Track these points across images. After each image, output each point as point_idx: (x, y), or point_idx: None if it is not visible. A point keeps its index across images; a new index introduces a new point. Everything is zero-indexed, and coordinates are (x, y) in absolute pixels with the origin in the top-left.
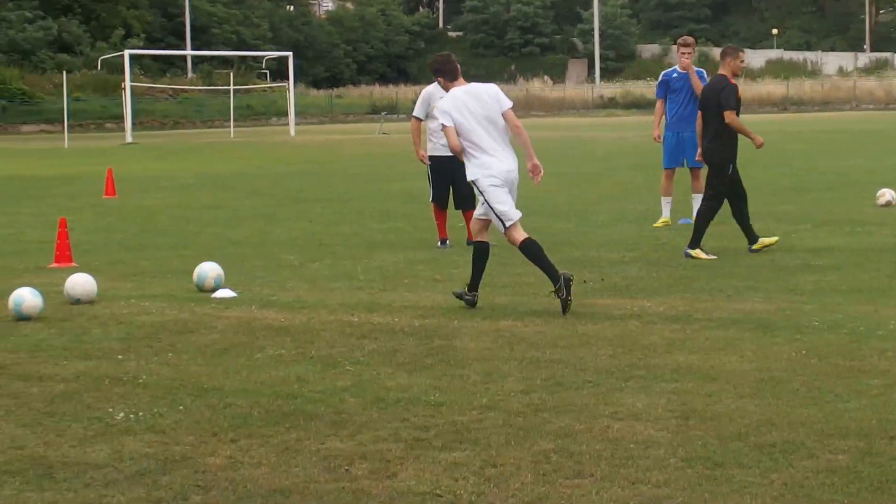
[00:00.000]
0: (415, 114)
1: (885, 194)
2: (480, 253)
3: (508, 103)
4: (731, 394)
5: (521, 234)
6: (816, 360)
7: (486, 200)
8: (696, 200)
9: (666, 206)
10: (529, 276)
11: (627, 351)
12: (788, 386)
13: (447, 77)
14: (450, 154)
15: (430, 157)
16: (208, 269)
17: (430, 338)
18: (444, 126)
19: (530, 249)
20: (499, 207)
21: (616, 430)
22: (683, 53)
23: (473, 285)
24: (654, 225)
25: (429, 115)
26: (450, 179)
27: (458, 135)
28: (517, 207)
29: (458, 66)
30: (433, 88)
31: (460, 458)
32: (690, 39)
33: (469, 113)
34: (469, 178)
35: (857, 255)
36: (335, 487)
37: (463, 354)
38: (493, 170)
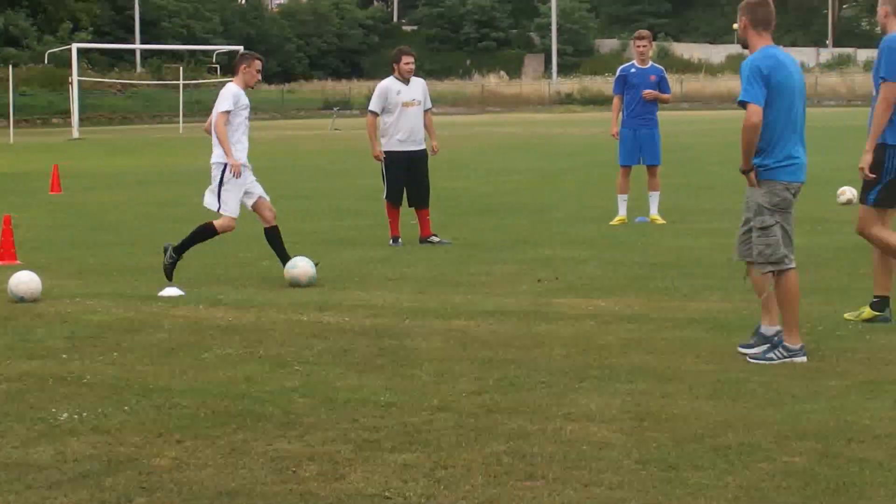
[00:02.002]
0: (371, 108)
1: (846, 192)
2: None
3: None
4: (688, 395)
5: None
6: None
7: None
8: (654, 198)
9: (622, 204)
10: (483, 275)
11: (582, 351)
12: (746, 387)
13: None
14: (406, 150)
15: (386, 153)
16: (301, 272)
17: (382, 337)
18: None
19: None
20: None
21: (570, 432)
22: (639, 46)
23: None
24: (611, 223)
25: (385, 110)
26: (405, 176)
27: None
28: None
29: None
30: (389, 82)
31: (410, 460)
32: (646, 32)
33: None
34: None
35: (818, 254)
36: (283, 489)
37: (415, 354)
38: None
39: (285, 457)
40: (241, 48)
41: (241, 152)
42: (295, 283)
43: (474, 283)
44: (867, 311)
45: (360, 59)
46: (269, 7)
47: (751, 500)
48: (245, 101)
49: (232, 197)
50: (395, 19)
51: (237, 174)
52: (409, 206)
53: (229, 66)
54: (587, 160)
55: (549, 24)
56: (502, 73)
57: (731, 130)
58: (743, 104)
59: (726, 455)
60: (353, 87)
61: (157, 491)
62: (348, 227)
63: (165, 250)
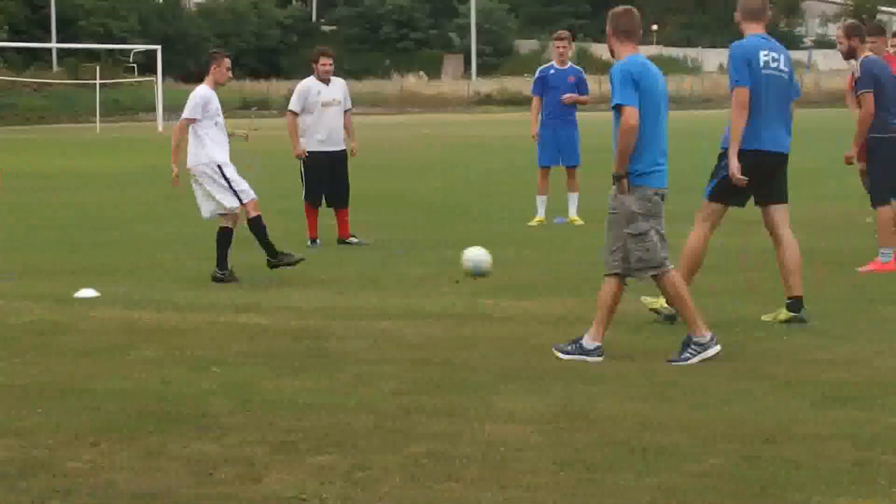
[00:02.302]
0: (291, 107)
1: None
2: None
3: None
4: (612, 397)
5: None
6: (698, 362)
7: None
8: (572, 199)
9: (541, 204)
10: (404, 276)
11: (507, 352)
12: (669, 388)
13: None
14: (325, 150)
15: (305, 153)
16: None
17: (301, 339)
18: None
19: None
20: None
21: (490, 433)
22: (558, 47)
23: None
24: (529, 224)
25: (304, 110)
26: (324, 177)
27: None
28: None
29: None
30: (309, 82)
31: (328, 462)
32: (565, 33)
33: None
34: None
35: (737, 255)
36: (199, 492)
37: (335, 356)
38: None
39: (202, 459)
40: (158, 48)
41: (224, 153)
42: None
43: (393, 284)
44: (784, 313)
45: (279, 58)
46: (187, 6)
47: (669, 502)
48: (216, 103)
49: (242, 184)
50: (313, 19)
51: (175, 184)
52: (328, 206)
53: (146, 66)
54: (506, 161)
55: (469, 25)
56: (421, 73)
57: None
58: (618, 108)
59: (646, 456)
60: (271, 87)
61: (71, 494)
62: (270, 227)
63: (272, 265)
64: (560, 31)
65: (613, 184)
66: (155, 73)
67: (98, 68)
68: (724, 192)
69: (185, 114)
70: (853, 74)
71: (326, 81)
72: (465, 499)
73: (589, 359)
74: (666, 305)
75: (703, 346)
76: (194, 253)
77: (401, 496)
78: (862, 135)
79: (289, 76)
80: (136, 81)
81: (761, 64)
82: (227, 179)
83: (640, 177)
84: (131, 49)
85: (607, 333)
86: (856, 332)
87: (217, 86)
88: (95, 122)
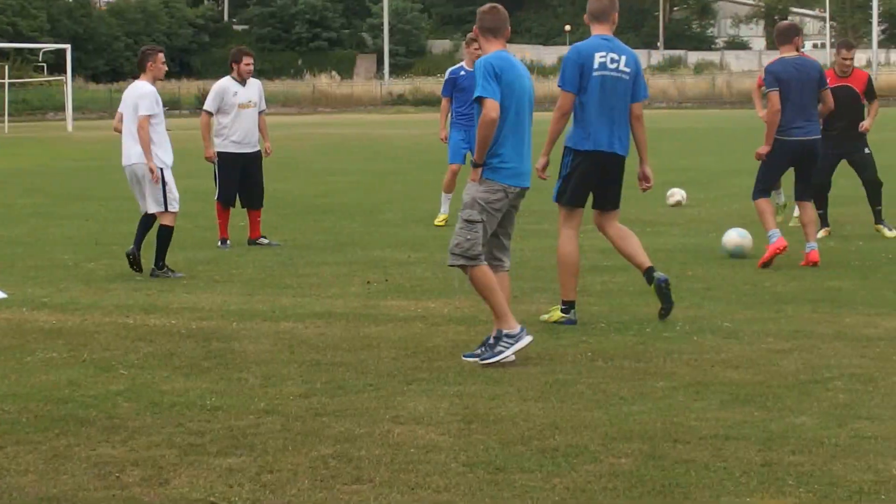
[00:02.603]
0: (206, 107)
1: (676, 194)
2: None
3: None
4: (516, 397)
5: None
6: (602, 363)
7: None
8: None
9: (445, 202)
10: (312, 276)
11: (411, 353)
12: (574, 389)
13: None
14: (241, 151)
15: (220, 154)
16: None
17: (209, 340)
18: None
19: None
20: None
21: (397, 435)
22: (470, 48)
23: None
24: (435, 223)
25: (220, 111)
26: (238, 177)
27: None
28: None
29: None
30: (226, 83)
31: (236, 464)
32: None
33: None
34: None
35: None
36: (106, 495)
37: (242, 357)
38: None
39: (109, 462)
40: (67, 47)
41: (168, 151)
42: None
43: (303, 285)
44: (556, 314)
45: (191, 58)
46: (97, 5)
47: (577, 502)
48: (159, 98)
49: (175, 193)
50: (225, 18)
51: (156, 180)
52: (243, 207)
53: (56, 65)
54: (418, 161)
55: (382, 25)
56: (334, 73)
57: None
58: (480, 100)
59: (553, 457)
60: (182, 87)
61: None
62: (178, 228)
63: (153, 273)
64: (473, 33)
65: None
66: (64, 72)
67: (7, 67)
68: (566, 193)
69: (146, 111)
70: (761, 76)
71: (244, 82)
72: (374, 501)
73: (523, 343)
74: (562, 314)
75: (515, 338)
76: (99, 253)
77: (309, 498)
78: (771, 133)
79: (200, 76)
80: (45, 81)
81: (595, 65)
82: (164, 184)
83: (491, 170)
84: (40, 48)
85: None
86: (761, 331)
87: (155, 81)
88: (3, 122)
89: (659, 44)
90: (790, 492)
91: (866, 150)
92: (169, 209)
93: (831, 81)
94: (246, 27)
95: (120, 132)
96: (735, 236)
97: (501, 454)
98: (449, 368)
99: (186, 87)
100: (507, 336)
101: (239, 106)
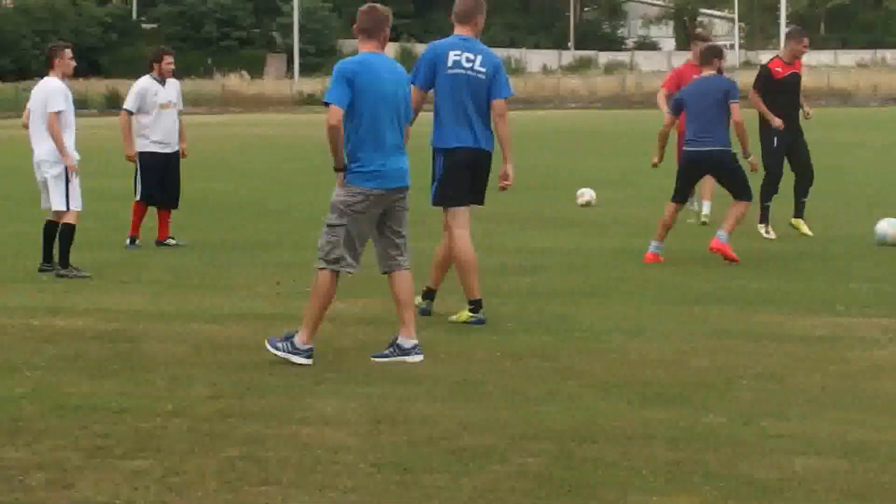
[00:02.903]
0: (127, 107)
1: (585, 194)
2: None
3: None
4: (425, 397)
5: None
6: (512, 363)
7: None
8: None
9: None
10: (221, 277)
11: (320, 354)
12: (483, 389)
13: None
14: (162, 151)
15: (141, 154)
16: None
17: (116, 342)
18: None
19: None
20: None
21: (305, 436)
22: None
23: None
24: None
25: (141, 110)
26: (160, 177)
27: None
28: None
29: None
30: (147, 82)
31: (142, 467)
32: None
33: None
34: None
35: (557, 256)
36: (10, 499)
37: (149, 359)
38: None
39: (12, 465)
40: None
41: (71, 148)
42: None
43: (212, 286)
44: (464, 314)
45: (99, 56)
46: (3, 3)
47: (485, 502)
48: (70, 94)
49: (78, 192)
50: (134, 17)
51: (76, 172)
52: (160, 207)
53: None
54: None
55: (292, 24)
56: (244, 72)
57: None
58: (327, 104)
59: (461, 457)
60: (90, 86)
61: None
62: (81, 228)
63: (58, 274)
64: None
65: None
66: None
67: None
68: (445, 194)
69: (56, 107)
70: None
71: (163, 82)
72: (281, 502)
73: (297, 359)
74: (471, 314)
75: (296, 352)
76: (3, 253)
77: (216, 500)
78: (660, 145)
79: (108, 75)
80: None
81: (449, 63)
82: (67, 182)
83: (350, 174)
84: None
85: (420, 335)
86: (671, 330)
87: (64, 77)
88: None
89: (570, 44)
90: (696, 490)
91: (803, 137)
92: (71, 207)
93: (782, 70)
94: (154, 26)
95: (28, 129)
96: (885, 225)
97: (410, 455)
98: (358, 369)
99: (94, 86)
100: (292, 345)
101: (160, 106)
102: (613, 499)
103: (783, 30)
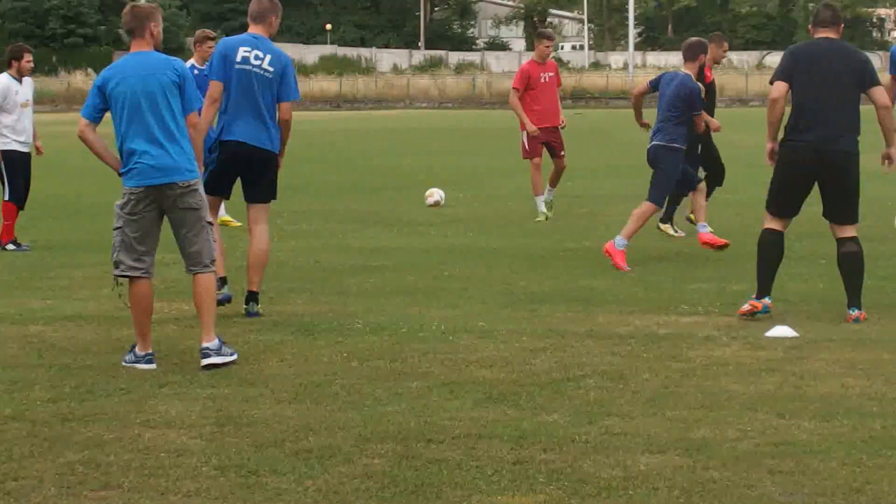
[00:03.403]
0: None
1: (434, 194)
2: None
3: None
4: (270, 399)
5: None
6: (358, 363)
7: None
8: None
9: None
10: (63, 279)
11: (164, 356)
12: (328, 390)
13: None
14: (24, 150)
15: (4, 153)
16: None
17: None
18: None
19: None
20: None
21: (148, 439)
22: (204, 48)
23: None
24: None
25: (2, 109)
26: (26, 176)
27: None
28: None
29: None
30: (7, 80)
31: None
32: (211, 33)
33: None
34: None
35: (405, 256)
36: None
37: None
38: None
39: None
40: None
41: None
42: None
43: (53, 288)
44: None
45: None
46: None
47: None
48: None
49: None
50: None
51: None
52: (18, 204)
53: None
54: None
55: None
56: (90, 70)
57: (327, 131)
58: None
59: (307, 459)
60: None
61: None
62: None
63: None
64: (204, 31)
65: None
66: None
67: None
68: (212, 184)
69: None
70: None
71: (20, 80)
72: None
73: (140, 366)
74: (245, 305)
75: (137, 359)
76: None
77: None
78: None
79: None
80: None
81: (238, 59)
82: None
83: (121, 176)
84: None
85: (257, 336)
86: (515, 330)
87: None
88: None
89: (420, 44)
90: (541, 489)
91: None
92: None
93: (709, 75)
94: None
95: None
96: None
97: (254, 457)
98: (202, 371)
99: None
100: (135, 354)
101: (21, 105)
102: (458, 499)
103: (632, 31)
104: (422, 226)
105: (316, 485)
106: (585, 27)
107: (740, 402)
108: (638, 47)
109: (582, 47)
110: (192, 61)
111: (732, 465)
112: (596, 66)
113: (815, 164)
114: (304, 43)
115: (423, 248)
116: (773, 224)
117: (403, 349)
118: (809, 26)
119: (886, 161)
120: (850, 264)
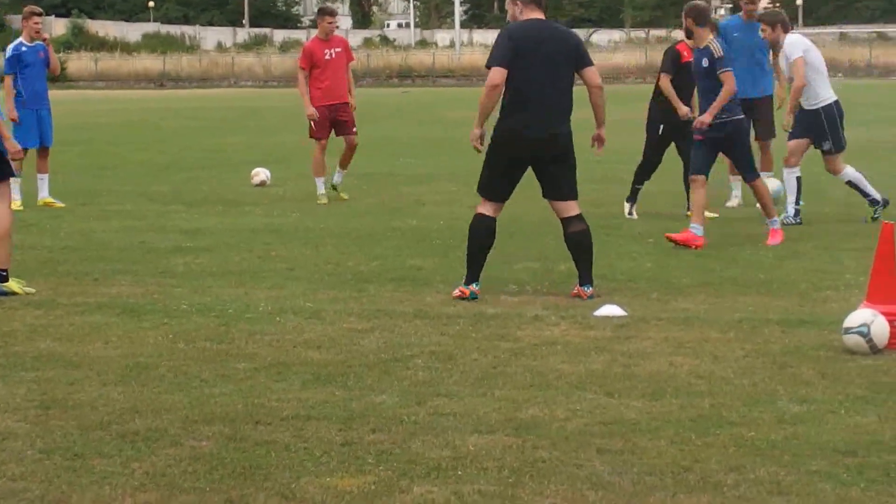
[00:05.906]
0: None
1: (260, 174)
2: None
3: None
4: (96, 381)
5: None
6: (184, 345)
7: None
8: (43, 181)
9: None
10: None
11: None
12: (155, 372)
13: None
14: None
15: None
16: None
17: None
18: None
19: None
20: None
21: None
22: (37, 24)
23: None
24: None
25: None
26: None
27: None
28: None
29: None
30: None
31: None
32: (38, 9)
33: None
34: None
35: (230, 236)
36: None
37: None
38: None
39: None
40: None
41: None
42: None
43: None
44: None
45: None
46: None
47: (157, 487)
48: None
49: None
50: None
51: None
52: None
53: None
54: None
55: None
56: None
57: (150, 110)
58: None
59: (133, 441)
60: None
61: None
62: None
63: None
64: (33, 7)
65: None
66: None
67: None
68: None
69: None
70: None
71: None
72: None
73: None
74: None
75: None
76: None
77: None
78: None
79: None
80: None
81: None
82: None
83: None
84: None
85: (82, 318)
86: (343, 311)
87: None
88: None
89: (245, 21)
90: (370, 470)
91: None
92: None
93: (687, 54)
94: None
95: None
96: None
97: (80, 440)
98: (26, 353)
99: None
100: None
101: None
102: (286, 481)
103: (458, 9)
104: (248, 205)
105: (143, 467)
106: (411, 5)
107: (569, 382)
108: (464, 25)
109: (408, 25)
110: (21, 39)
111: (562, 445)
112: (422, 44)
113: (534, 148)
114: (127, 20)
115: (249, 227)
116: (485, 209)
117: (230, 330)
118: (517, 5)
119: (597, 143)
120: (580, 242)
